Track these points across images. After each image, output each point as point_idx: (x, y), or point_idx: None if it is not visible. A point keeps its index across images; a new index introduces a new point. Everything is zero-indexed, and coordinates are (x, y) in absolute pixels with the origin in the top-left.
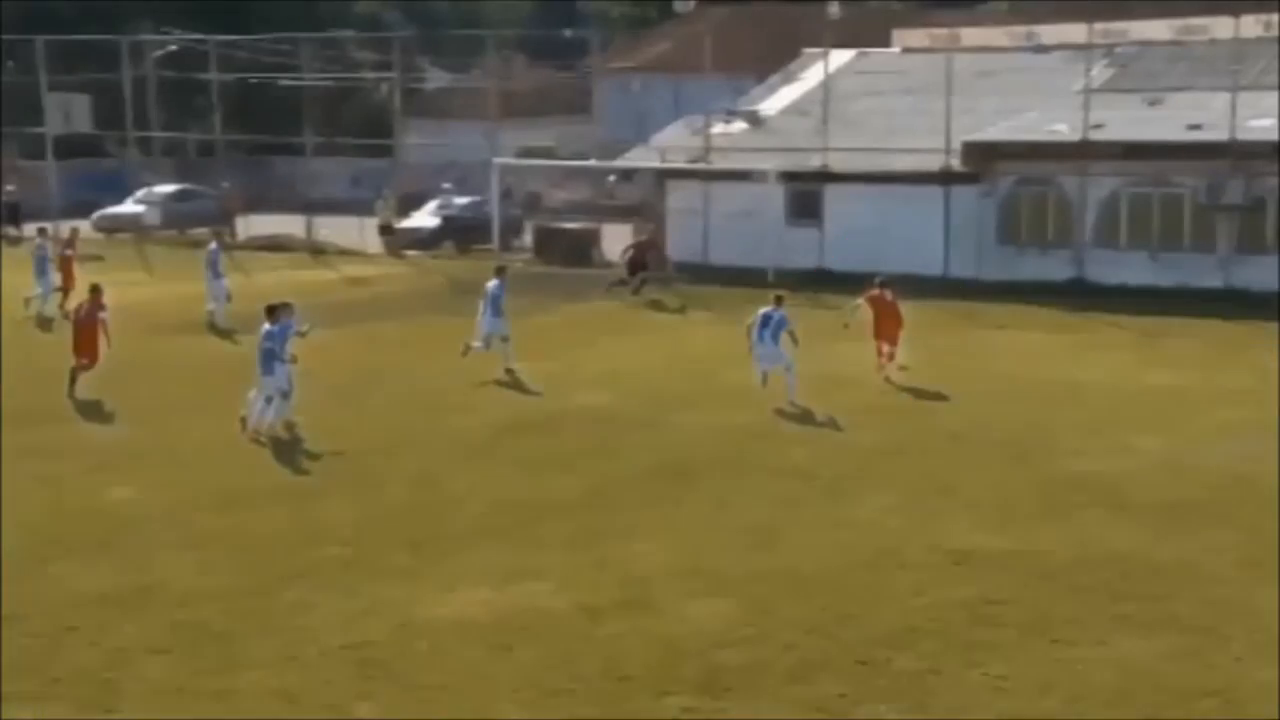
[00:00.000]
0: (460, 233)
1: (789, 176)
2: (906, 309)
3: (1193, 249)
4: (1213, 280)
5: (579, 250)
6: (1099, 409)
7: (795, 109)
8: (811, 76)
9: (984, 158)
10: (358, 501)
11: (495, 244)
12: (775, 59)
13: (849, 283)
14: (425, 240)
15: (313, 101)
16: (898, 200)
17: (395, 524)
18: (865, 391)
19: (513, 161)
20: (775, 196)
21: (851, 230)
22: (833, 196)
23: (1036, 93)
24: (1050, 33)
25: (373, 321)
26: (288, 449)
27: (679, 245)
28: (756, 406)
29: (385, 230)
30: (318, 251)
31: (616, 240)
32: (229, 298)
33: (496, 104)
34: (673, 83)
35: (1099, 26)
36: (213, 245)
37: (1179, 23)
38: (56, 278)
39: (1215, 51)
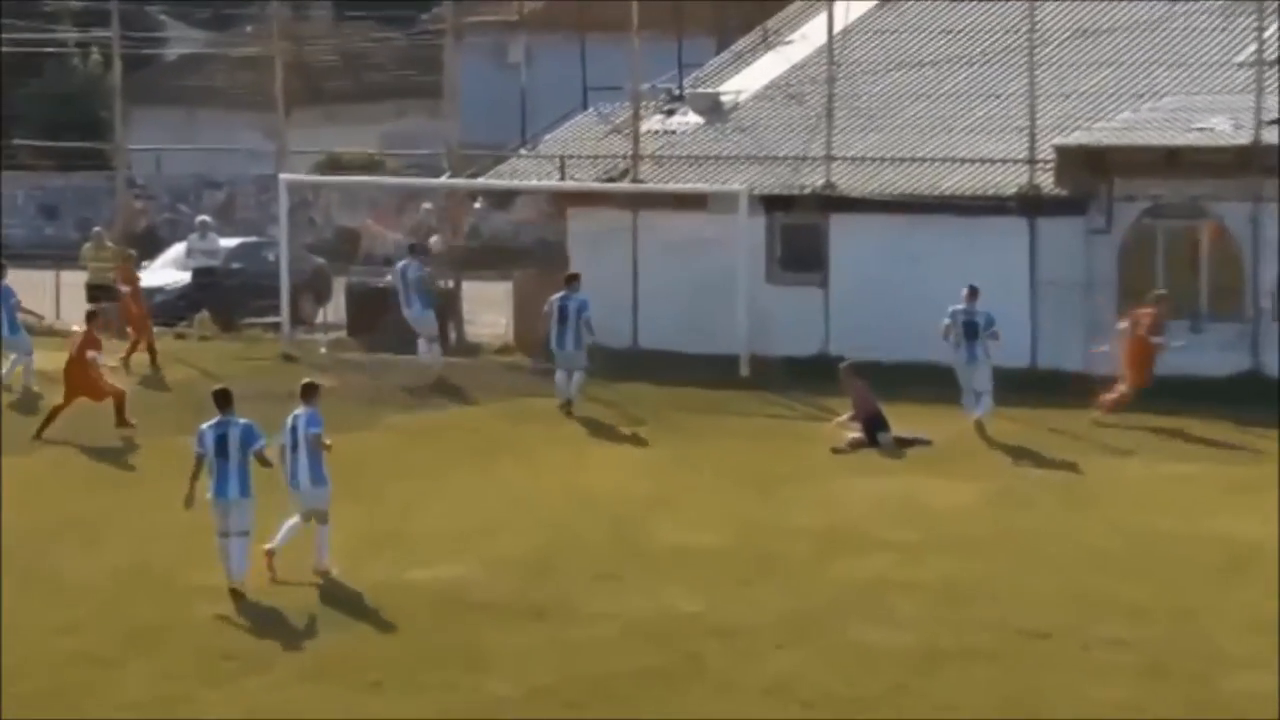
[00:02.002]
0: (224, 296)
1: (771, 203)
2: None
3: None
4: None
5: None
6: None
7: (780, 91)
8: (807, 38)
9: (1092, 172)
10: None
11: (284, 315)
12: (747, 11)
13: (875, 379)
14: (167, 307)
15: None
16: (950, 241)
17: None
18: (884, 558)
19: (312, 179)
20: (749, 236)
21: (872, 288)
22: (842, 234)
23: (1176, 64)
24: None
25: (78, 443)
26: None
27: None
28: (709, 581)
29: (99, 292)
30: None
31: (485, 307)
32: None
33: (286, 84)
34: (575, 47)
35: None
36: None
37: None
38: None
39: None
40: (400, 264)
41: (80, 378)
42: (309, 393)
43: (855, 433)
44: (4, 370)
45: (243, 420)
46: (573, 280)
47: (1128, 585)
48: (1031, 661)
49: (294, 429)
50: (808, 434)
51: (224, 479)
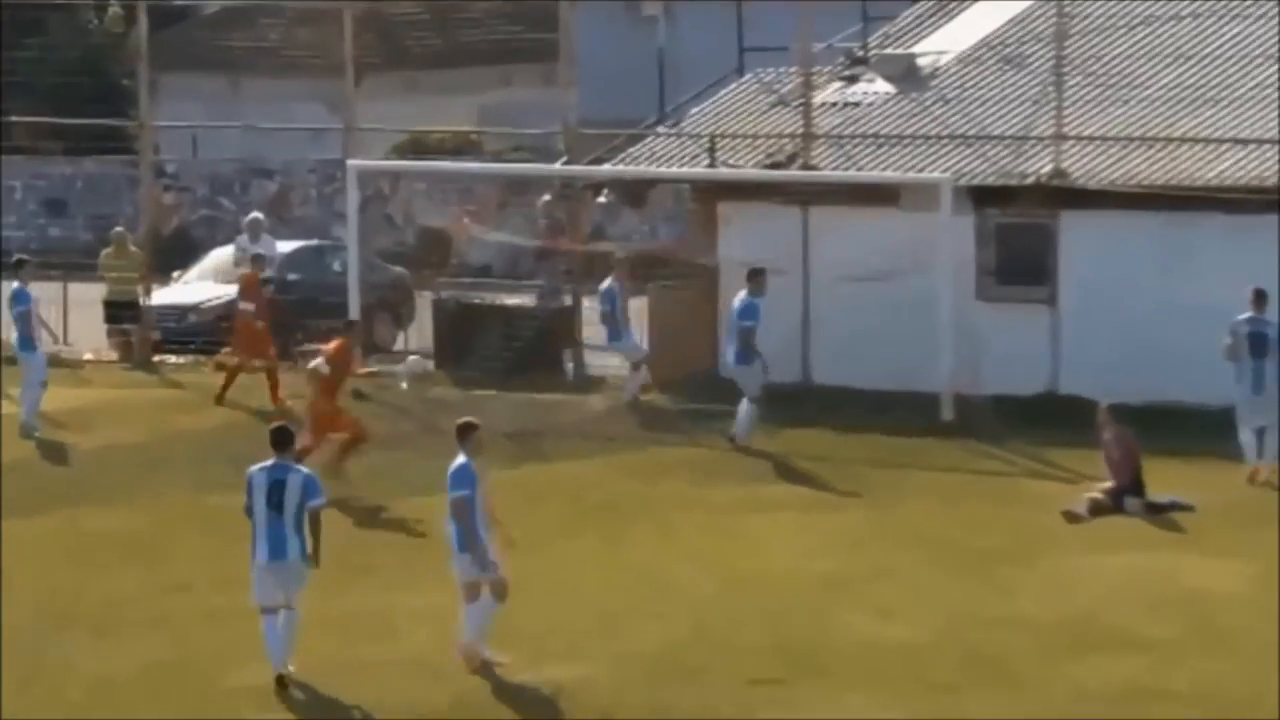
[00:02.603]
0: (278, 315)
1: (983, 196)
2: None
3: None
4: None
5: (534, 350)
6: None
7: (994, 52)
8: None
9: None
10: None
11: (354, 339)
12: None
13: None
14: (205, 331)
15: None
16: (1215, 244)
17: None
18: (1135, 660)
19: (389, 165)
20: (954, 239)
21: (1115, 308)
22: (1077, 237)
23: None
24: None
25: (89, 505)
26: None
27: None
28: (905, 689)
29: (120, 310)
30: None
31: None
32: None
33: (356, 44)
34: (727, 4)
35: None
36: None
37: None
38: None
39: None
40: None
41: (326, 409)
42: (466, 434)
43: (1094, 493)
44: (24, 408)
45: (304, 469)
46: (757, 278)
47: None
48: None
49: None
50: (1031, 495)
51: (279, 538)
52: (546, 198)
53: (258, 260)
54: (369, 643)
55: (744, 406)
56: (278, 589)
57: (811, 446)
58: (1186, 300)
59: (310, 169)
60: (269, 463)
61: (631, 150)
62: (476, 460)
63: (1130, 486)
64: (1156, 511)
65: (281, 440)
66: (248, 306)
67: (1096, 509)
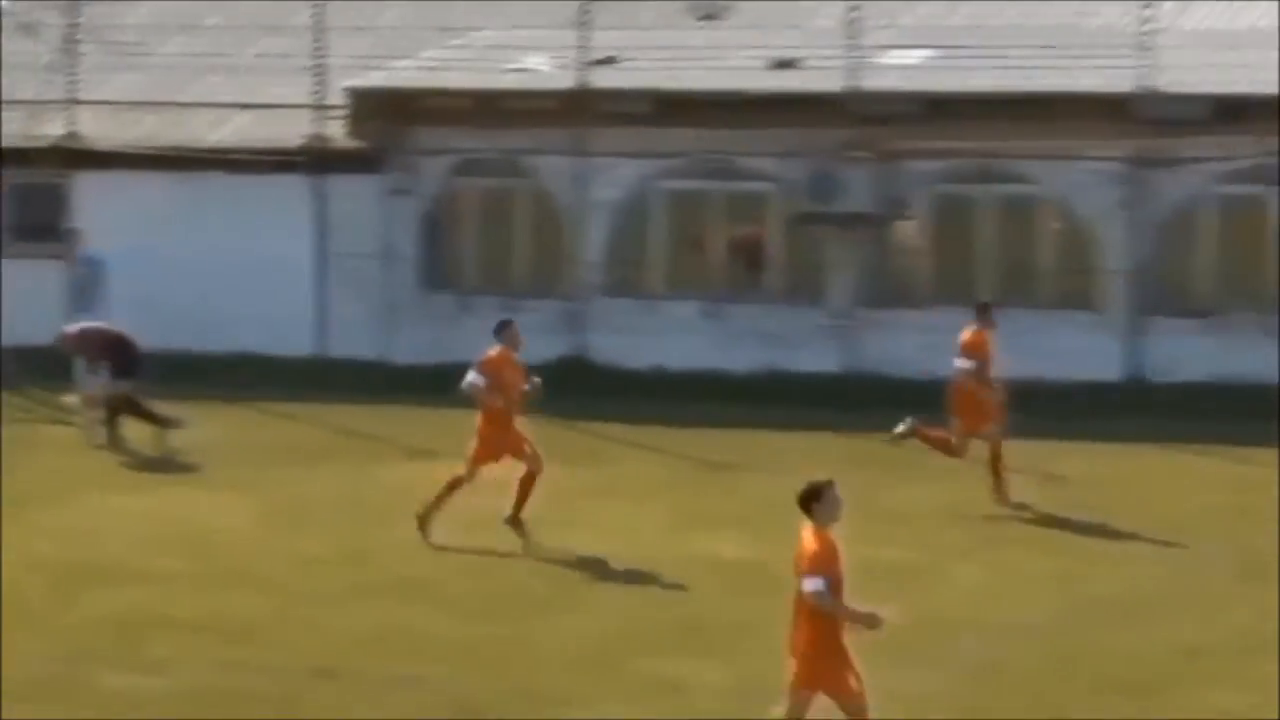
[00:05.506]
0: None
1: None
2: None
3: (786, 298)
4: (820, 356)
5: None
6: (613, 611)
7: (10, 19)
8: None
9: (391, 120)
10: None
11: None
12: None
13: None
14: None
15: None
16: (222, 204)
17: None
18: (143, 591)
19: None
20: None
21: (131, 264)
22: (91, 196)
23: None
24: None
25: None
26: None
27: None
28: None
29: None
30: None
31: None
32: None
33: None
34: None
35: None
36: None
37: None
38: None
39: None
40: None
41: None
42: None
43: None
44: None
45: None
46: None
47: (434, 614)
48: (314, 707)
49: None
50: (52, 440)
51: None
52: None
53: None
54: None
55: None
56: None
57: None
58: (199, 253)
59: None
60: None
61: None
62: None
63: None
64: (151, 420)
65: None
66: None
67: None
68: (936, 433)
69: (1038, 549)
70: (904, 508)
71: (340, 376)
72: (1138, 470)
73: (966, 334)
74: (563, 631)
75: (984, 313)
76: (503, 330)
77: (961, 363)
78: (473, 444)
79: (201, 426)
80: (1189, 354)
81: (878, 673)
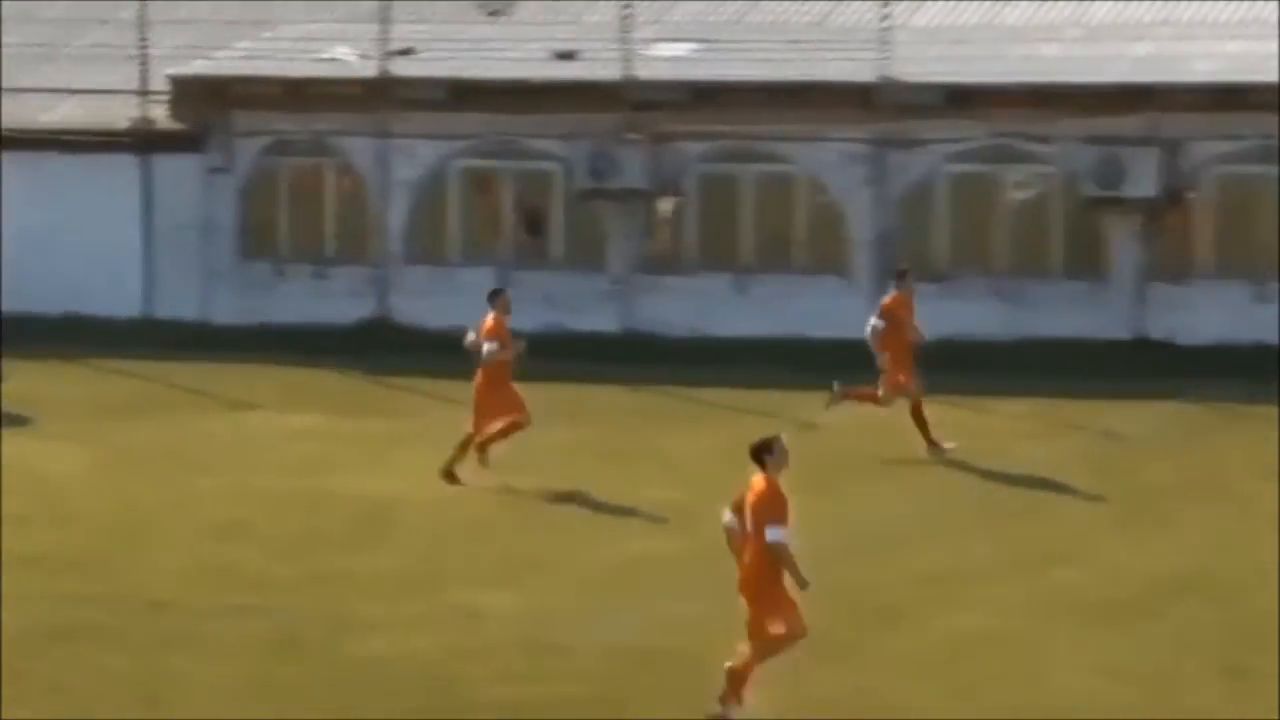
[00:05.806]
0: None
1: None
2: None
3: (571, 265)
4: (602, 317)
5: None
6: (417, 548)
7: None
8: None
9: (211, 104)
10: None
11: None
12: None
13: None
14: None
15: None
16: (55, 181)
17: None
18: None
19: None
20: None
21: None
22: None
23: None
24: None
25: None
26: None
27: None
28: None
29: None
30: None
31: None
32: None
33: None
34: None
35: None
36: None
37: None
38: None
39: None
40: None
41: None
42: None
43: None
44: None
45: None
46: None
47: (254, 551)
48: (149, 636)
49: None
50: None
51: None
52: None
53: None
54: None
55: None
56: None
57: None
58: (35, 225)
59: None
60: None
61: None
62: None
63: None
64: None
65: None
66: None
67: None
68: (862, 390)
69: (797, 490)
70: (679, 453)
71: (166, 336)
72: (884, 419)
73: (887, 298)
74: (372, 566)
75: (903, 278)
76: (496, 298)
77: (875, 322)
78: (477, 403)
79: (35, 381)
80: (927, 314)
81: (658, 601)
